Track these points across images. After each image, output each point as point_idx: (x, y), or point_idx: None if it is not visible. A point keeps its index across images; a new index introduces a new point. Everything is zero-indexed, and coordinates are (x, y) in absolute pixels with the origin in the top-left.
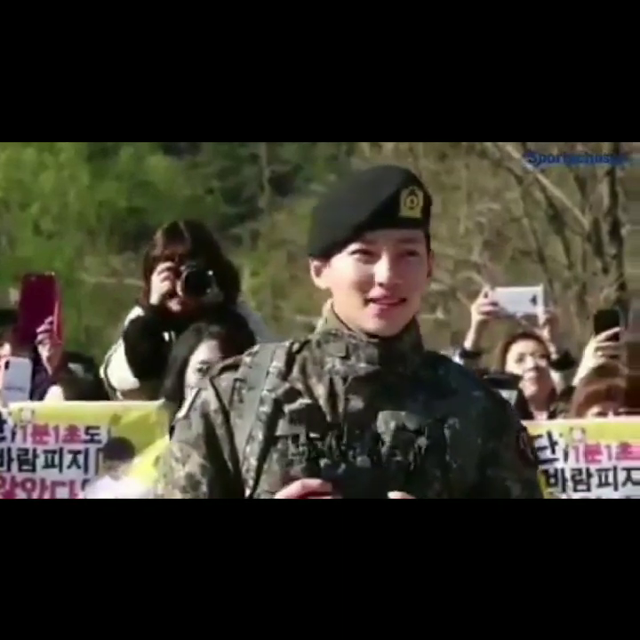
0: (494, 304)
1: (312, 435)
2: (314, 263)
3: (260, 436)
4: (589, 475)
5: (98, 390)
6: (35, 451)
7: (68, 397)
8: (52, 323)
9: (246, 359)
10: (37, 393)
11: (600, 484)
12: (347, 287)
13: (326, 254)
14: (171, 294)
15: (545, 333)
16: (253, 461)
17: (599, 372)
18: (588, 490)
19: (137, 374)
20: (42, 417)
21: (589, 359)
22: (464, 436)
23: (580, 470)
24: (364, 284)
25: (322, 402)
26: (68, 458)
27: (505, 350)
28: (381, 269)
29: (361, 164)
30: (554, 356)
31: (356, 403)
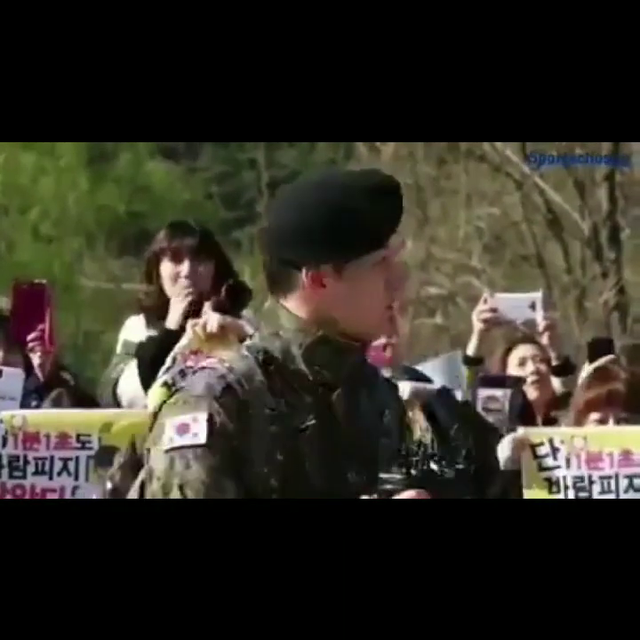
0: (494, 310)
1: (327, 449)
2: (314, 273)
3: (277, 456)
4: (591, 482)
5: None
6: (25, 457)
7: (68, 405)
8: (43, 330)
9: (231, 377)
10: (29, 399)
11: (602, 491)
12: (373, 295)
13: (343, 262)
14: (193, 314)
15: (544, 339)
16: (274, 482)
17: (599, 377)
18: (590, 497)
19: None
20: (33, 424)
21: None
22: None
23: (581, 477)
24: (385, 292)
25: (323, 415)
26: (58, 465)
27: (506, 355)
28: (397, 277)
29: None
30: (554, 362)
31: (353, 408)
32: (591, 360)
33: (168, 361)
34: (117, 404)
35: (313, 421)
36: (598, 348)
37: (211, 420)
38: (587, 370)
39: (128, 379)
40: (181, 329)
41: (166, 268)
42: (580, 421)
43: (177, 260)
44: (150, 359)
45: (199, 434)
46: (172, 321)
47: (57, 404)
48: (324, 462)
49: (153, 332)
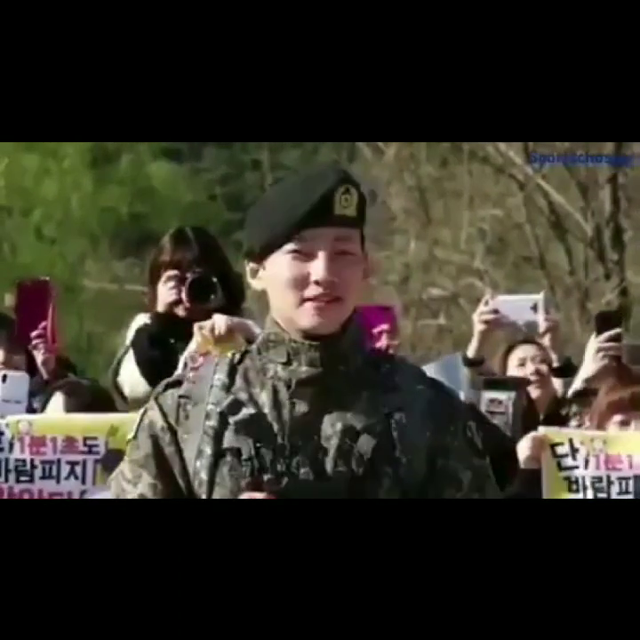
0: (495, 312)
1: (259, 444)
2: (250, 265)
3: (208, 450)
4: (610, 483)
5: (99, 397)
6: (32, 462)
7: (72, 406)
8: (45, 327)
9: (189, 374)
10: (34, 398)
11: (620, 492)
12: (283, 287)
13: (262, 255)
14: (177, 302)
15: (546, 341)
16: (204, 476)
17: (622, 379)
18: (609, 497)
19: (151, 382)
20: (40, 429)
21: (590, 360)
22: (411, 431)
23: (600, 478)
24: (299, 283)
25: (266, 410)
26: (65, 469)
27: (506, 356)
28: (318, 267)
29: (363, 171)
30: (555, 364)
31: (301, 407)
32: (599, 333)
33: (179, 366)
34: (121, 396)
35: (246, 416)
36: (606, 321)
37: (143, 416)
38: (592, 343)
39: (127, 368)
40: (171, 310)
41: (168, 278)
42: (602, 423)
43: (179, 271)
44: (144, 345)
45: (131, 430)
46: (161, 304)
47: (71, 393)
48: (257, 458)
49: (145, 321)
